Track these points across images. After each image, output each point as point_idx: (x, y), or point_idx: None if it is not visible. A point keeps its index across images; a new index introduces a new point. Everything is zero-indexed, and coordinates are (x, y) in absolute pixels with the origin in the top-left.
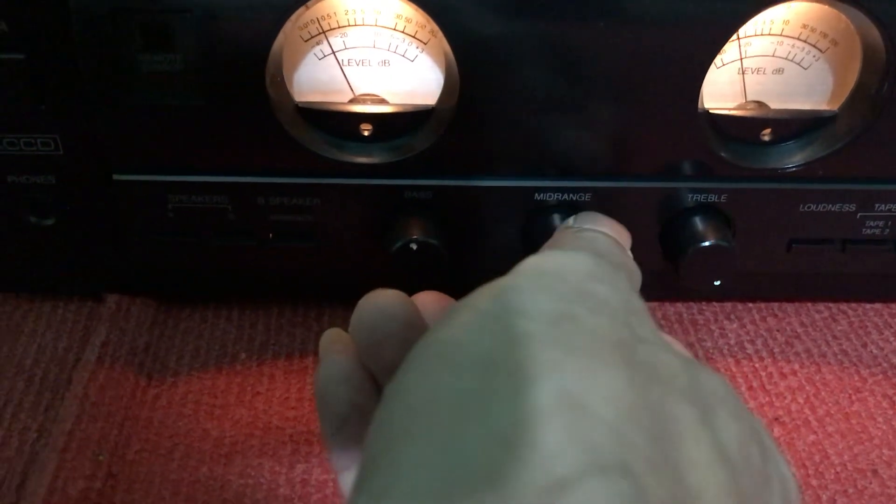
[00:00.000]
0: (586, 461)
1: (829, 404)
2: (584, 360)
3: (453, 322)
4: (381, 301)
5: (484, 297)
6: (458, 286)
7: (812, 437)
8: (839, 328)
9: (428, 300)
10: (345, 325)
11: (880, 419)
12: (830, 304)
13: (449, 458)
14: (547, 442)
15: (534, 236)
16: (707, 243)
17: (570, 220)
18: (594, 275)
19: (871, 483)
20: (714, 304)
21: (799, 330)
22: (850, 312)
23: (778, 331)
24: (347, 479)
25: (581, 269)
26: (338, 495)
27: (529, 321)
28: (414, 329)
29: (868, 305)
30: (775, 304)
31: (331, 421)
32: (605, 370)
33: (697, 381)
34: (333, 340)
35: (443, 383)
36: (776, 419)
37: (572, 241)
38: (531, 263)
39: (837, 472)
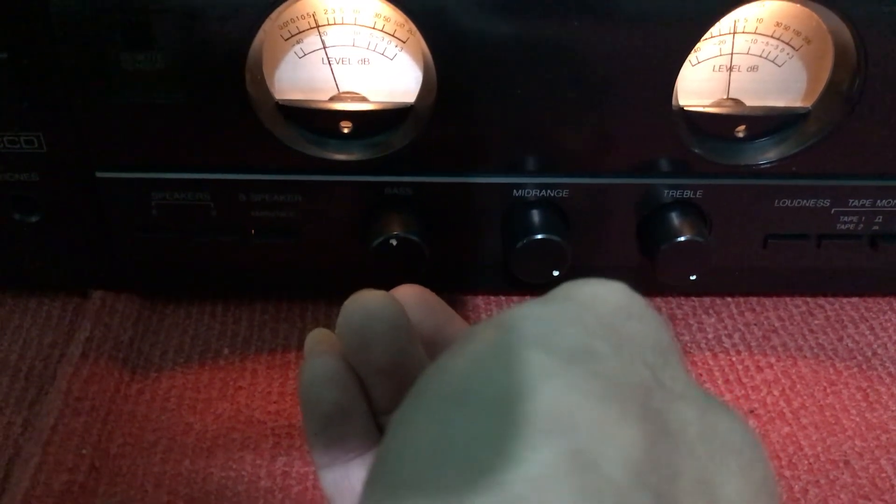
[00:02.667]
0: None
1: (804, 397)
2: (596, 411)
3: (466, 352)
4: (368, 302)
5: (501, 324)
6: (439, 281)
7: (786, 429)
8: (816, 322)
9: (409, 293)
10: (328, 321)
11: (854, 411)
12: (808, 299)
13: (466, 474)
14: (557, 495)
15: (513, 232)
16: (682, 238)
17: None
18: (627, 309)
19: (843, 474)
20: (692, 298)
21: (776, 324)
22: (828, 307)
23: (755, 325)
24: (328, 476)
25: (613, 301)
26: (318, 488)
27: (546, 356)
28: (401, 330)
29: (845, 300)
30: (753, 299)
31: (315, 420)
32: (617, 424)
33: (710, 430)
34: (319, 340)
35: (451, 432)
36: (751, 411)
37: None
38: (564, 289)
39: (810, 463)
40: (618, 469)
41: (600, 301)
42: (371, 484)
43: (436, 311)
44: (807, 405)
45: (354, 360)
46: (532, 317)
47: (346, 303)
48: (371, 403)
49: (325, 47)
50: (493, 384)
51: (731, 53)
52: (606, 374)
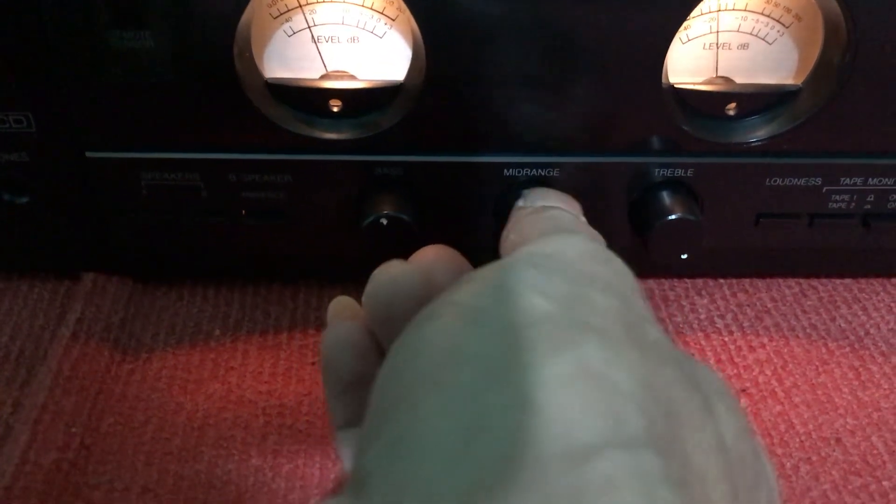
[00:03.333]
0: (609, 432)
1: (796, 376)
2: (601, 338)
3: (472, 289)
4: (397, 276)
5: (496, 271)
6: None
7: (778, 408)
8: (809, 303)
9: (438, 256)
10: (320, 303)
11: (846, 390)
12: (801, 280)
13: (472, 412)
14: (568, 409)
15: (504, 211)
16: (673, 217)
17: (521, 202)
18: (594, 256)
19: (834, 451)
20: (685, 280)
21: (769, 305)
22: (821, 287)
23: (748, 306)
24: (344, 436)
25: (579, 251)
26: (308, 465)
27: (546, 300)
28: (427, 304)
29: (838, 281)
30: (746, 280)
31: (334, 385)
32: (621, 346)
33: (697, 372)
34: (343, 307)
35: (467, 343)
36: (743, 390)
37: (540, 223)
38: (531, 250)
39: (802, 441)
40: (628, 381)
41: (570, 253)
42: (375, 393)
43: (463, 273)
44: (799, 384)
45: (379, 330)
46: (523, 265)
47: (375, 273)
48: None
49: (309, 27)
50: (501, 314)
51: (719, 32)
52: (601, 313)
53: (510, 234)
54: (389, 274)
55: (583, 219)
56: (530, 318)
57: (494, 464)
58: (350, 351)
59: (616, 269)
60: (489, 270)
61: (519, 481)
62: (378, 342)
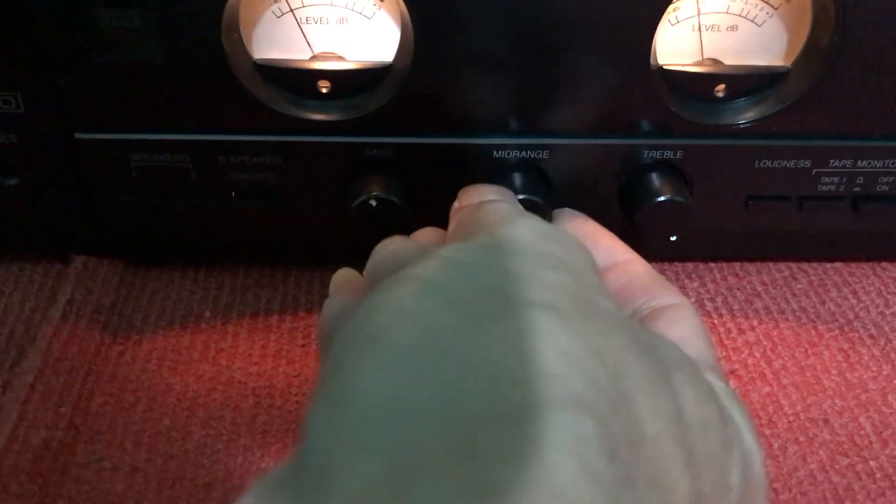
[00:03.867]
0: (544, 393)
1: (785, 358)
2: (545, 309)
3: (429, 264)
4: (398, 250)
5: (455, 250)
6: None
7: (767, 389)
8: (799, 286)
9: (434, 237)
10: (310, 285)
11: (834, 372)
12: (791, 264)
13: (404, 369)
14: (504, 369)
15: None
16: (662, 198)
17: (456, 203)
18: (545, 236)
19: (822, 431)
20: (675, 263)
21: (759, 288)
22: (811, 271)
23: (738, 289)
24: None
25: (531, 233)
26: (297, 444)
27: (495, 276)
28: None
29: (828, 265)
30: (736, 264)
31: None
32: (568, 317)
33: (655, 341)
34: (346, 279)
35: (413, 307)
36: (732, 372)
37: (486, 216)
38: (484, 239)
39: (790, 422)
40: (574, 344)
41: (519, 239)
42: (332, 347)
43: None
44: (788, 366)
45: None
46: (477, 248)
47: (378, 247)
48: None
49: (293, 9)
50: (456, 287)
51: (708, 14)
52: (552, 287)
53: (455, 236)
54: (391, 248)
55: (520, 206)
56: (478, 292)
57: (424, 422)
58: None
59: (568, 246)
60: (448, 249)
61: (445, 439)
62: None
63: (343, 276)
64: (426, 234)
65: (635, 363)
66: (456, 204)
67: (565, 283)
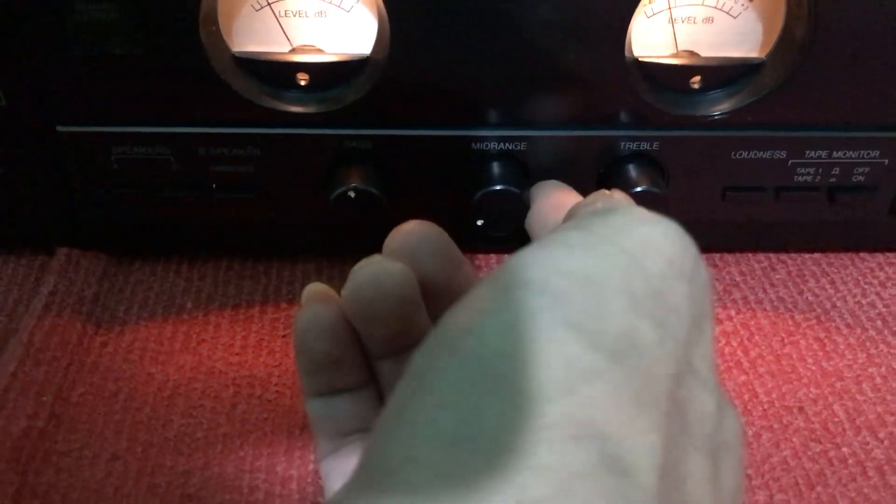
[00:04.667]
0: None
1: (762, 347)
2: (630, 418)
3: (486, 328)
4: (380, 274)
5: (529, 282)
6: None
7: (742, 378)
8: (777, 276)
9: (427, 235)
10: (292, 277)
11: (810, 360)
12: (770, 255)
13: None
14: (584, 502)
15: (473, 185)
16: (638, 189)
17: (606, 191)
18: (679, 265)
19: (796, 419)
20: None
21: (738, 279)
22: (790, 262)
23: (717, 280)
24: (317, 404)
25: (667, 253)
26: (276, 433)
27: (587, 351)
28: (410, 305)
29: (807, 255)
30: (716, 255)
31: (306, 364)
32: (647, 431)
33: (720, 427)
34: (318, 291)
35: (477, 418)
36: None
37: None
38: (610, 224)
39: (765, 409)
40: (648, 476)
41: (653, 252)
42: (376, 451)
43: (451, 260)
44: (764, 355)
45: (357, 323)
46: (574, 273)
47: (356, 271)
48: (365, 348)
49: (270, 3)
50: (531, 374)
51: (686, 5)
52: (645, 371)
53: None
54: (372, 273)
55: None
56: (558, 383)
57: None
58: (323, 334)
59: (694, 287)
60: (515, 279)
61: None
62: (353, 328)
63: (314, 289)
64: (410, 237)
65: (690, 470)
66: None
67: (660, 360)
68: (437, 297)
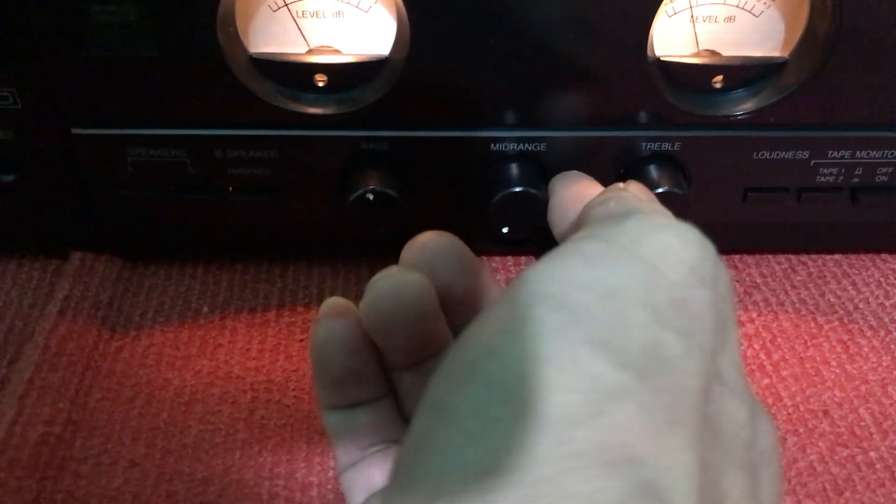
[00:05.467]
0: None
1: (785, 350)
2: (662, 437)
3: (511, 347)
4: (398, 286)
5: (550, 298)
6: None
7: (766, 381)
8: (798, 278)
9: (445, 247)
10: (308, 280)
11: (834, 363)
12: (790, 256)
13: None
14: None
15: (491, 186)
16: (660, 190)
17: (621, 184)
18: (699, 271)
19: (821, 423)
20: None
21: (758, 280)
22: (810, 263)
23: (737, 281)
24: (333, 416)
25: (687, 259)
26: (295, 439)
27: (613, 369)
28: (429, 317)
29: (828, 257)
30: (736, 257)
31: (324, 378)
32: (681, 450)
33: (755, 436)
34: (337, 304)
35: (504, 446)
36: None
37: (648, 206)
38: (627, 232)
39: (790, 413)
40: (686, 499)
41: (672, 260)
42: (402, 483)
43: (468, 270)
44: (787, 357)
45: (375, 337)
46: (594, 287)
47: (374, 284)
48: (383, 360)
49: (287, 4)
50: (556, 399)
51: (708, 4)
52: (673, 386)
53: (603, 203)
54: (389, 286)
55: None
56: (586, 405)
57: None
58: (341, 349)
59: (717, 293)
60: (537, 295)
61: None
62: (372, 340)
63: (333, 303)
64: (427, 248)
65: (727, 488)
66: (621, 184)
67: (688, 371)
68: (456, 307)
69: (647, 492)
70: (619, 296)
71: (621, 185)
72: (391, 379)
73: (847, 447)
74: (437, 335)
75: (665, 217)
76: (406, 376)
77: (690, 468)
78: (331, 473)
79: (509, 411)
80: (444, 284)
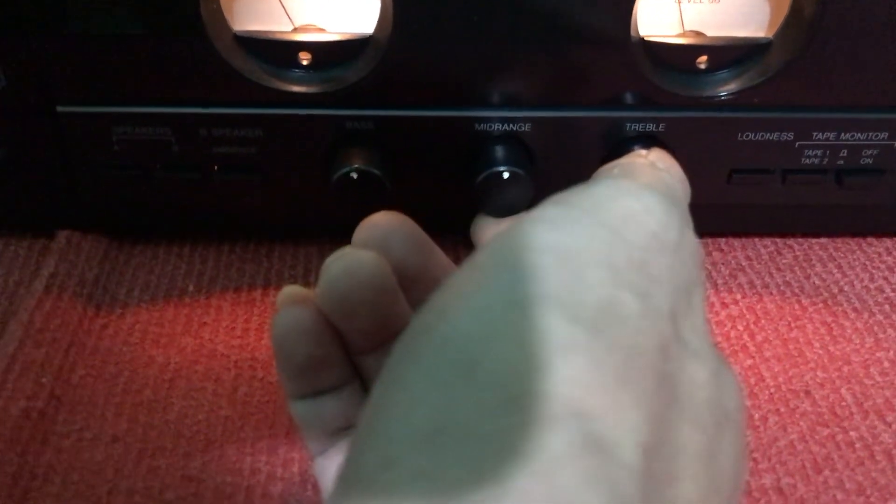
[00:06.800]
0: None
1: (768, 331)
2: (612, 393)
3: (471, 303)
4: (351, 266)
5: (511, 256)
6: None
7: (749, 361)
8: (784, 261)
9: (395, 225)
10: (294, 260)
11: (817, 344)
12: (776, 239)
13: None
14: (565, 487)
15: (475, 166)
16: None
17: (643, 151)
18: (662, 236)
19: (803, 402)
20: None
21: (744, 263)
22: (796, 246)
23: (723, 264)
24: (300, 406)
25: (650, 225)
26: (278, 414)
27: (567, 324)
28: (387, 294)
29: (814, 240)
30: (721, 239)
31: (287, 368)
32: (632, 407)
33: (717, 395)
34: (293, 293)
35: (456, 406)
36: (714, 345)
37: (647, 174)
38: (590, 198)
39: (772, 393)
40: (631, 453)
41: (634, 225)
42: (355, 457)
43: (421, 246)
44: (770, 339)
45: (334, 319)
46: (552, 250)
47: (327, 266)
48: (347, 344)
49: None
50: (504, 354)
51: None
52: (628, 343)
53: (608, 172)
54: (343, 265)
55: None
56: (538, 359)
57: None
58: (302, 337)
59: (679, 253)
60: (500, 252)
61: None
62: (333, 326)
63: (289, 291)
64: (378, 227)
65: (682, 444)
66: (643, 151)
67: (644, 330)
68: (414, 286)
69: (592, 445)
70: (577, 257)
71: (643, 151)
72: (356, 364)
73: (828, 426)
74: (398, 315)
75: (642, 182)
76: (370, 360)
77: (638, 424)
78: None
79: (458, 371)
80: (399, 261)
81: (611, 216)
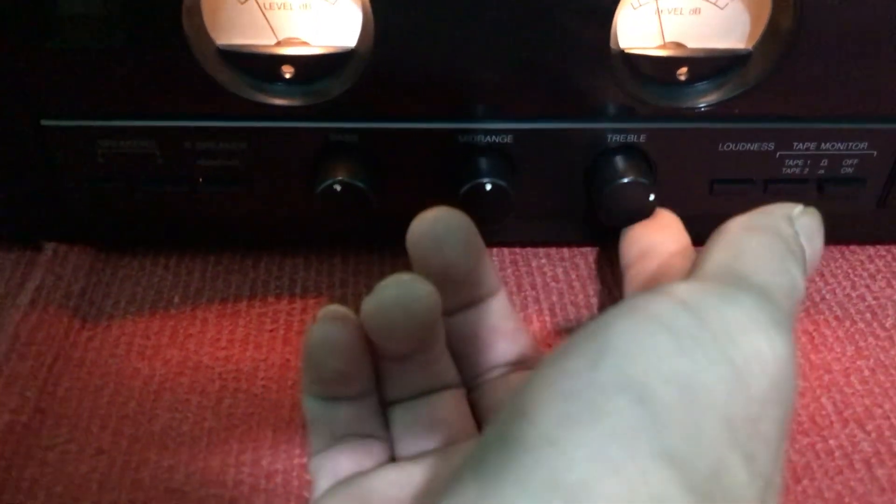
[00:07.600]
0: None
1: None
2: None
3: (569, 433)
4: (408, 300)
5: (624, 386)
6: (388, 232)
7: None
8: None
9: (456, 224)
10: (280, 272)
11: (799, 353)
12: None
13: None
14: None
15: (459, 178)
16: (625, 181)
17: (796, 211)
18: (780, 386)
19: None
20: None
21: None
22: None
23: None
24: (313, 404)
25: (771, 371)
26: (262, 427)
27: (678, 487)
28: (433, 328)
29: None
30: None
31: (313, 377)
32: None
33: None
34: (335, 311)
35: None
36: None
37: (779, 260)
38: (722, 321)
39: None
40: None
41: (759, 370)
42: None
43: (472, 252)
44: None
45: (371, 334)
46: (678, 384)
47: (385, 286)
48: (374, 351)
49: None
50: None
51: None
52: None
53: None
54: (398, 295)
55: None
56: None
57: None
58: (334, 353)
59: (785, 409)
60: (622, 388)
61: None
62: (366, 338)
63: (332, 308)
64: (452, 221)
65: None
66: (796, 211)
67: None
68: (454, 288)
69: None
70: (700, 399)
71: (796, 211)
72: (380, 368)
73: (808, 435)
74: (434, 335)
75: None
76: (395, 367)
77: None
78: (296, 461)
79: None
80: (448, 263)
81: (739, 353)
